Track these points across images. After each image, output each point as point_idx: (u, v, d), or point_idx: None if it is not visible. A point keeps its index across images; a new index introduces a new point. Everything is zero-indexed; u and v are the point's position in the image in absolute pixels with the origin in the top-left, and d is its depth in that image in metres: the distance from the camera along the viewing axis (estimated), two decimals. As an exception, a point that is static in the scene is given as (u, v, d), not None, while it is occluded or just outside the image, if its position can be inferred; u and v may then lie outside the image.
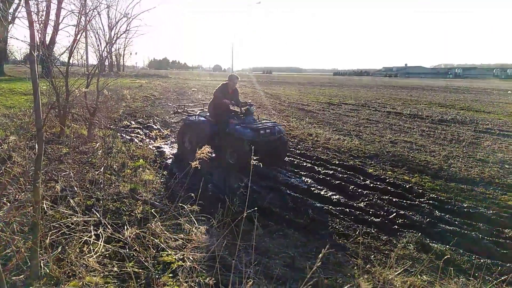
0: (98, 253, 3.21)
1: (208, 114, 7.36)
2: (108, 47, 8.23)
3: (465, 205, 5.21)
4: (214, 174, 6.40)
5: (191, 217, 4.02)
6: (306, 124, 12.60)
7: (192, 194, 4.87)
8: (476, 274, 3.32)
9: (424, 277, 3.21)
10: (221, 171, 6.56)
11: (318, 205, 5.11)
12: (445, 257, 3.35)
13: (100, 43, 8.73)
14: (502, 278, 3.15)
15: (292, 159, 7.62)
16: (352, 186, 5.92)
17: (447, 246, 3.95)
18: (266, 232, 4.07)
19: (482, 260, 3.63)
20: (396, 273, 3.16)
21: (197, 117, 7.41)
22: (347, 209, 4.96)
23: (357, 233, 4.21)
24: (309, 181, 6.19)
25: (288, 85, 40.93)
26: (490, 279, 3.24)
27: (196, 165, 3.37)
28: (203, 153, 3.26)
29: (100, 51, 8.10)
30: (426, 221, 4.59)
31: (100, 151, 6.33)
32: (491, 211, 4.99)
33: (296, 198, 5.35)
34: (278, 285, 3.03)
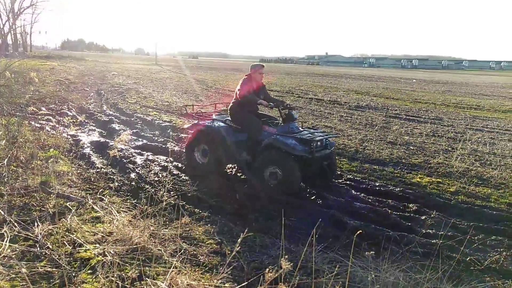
0: (2, 254, 2.87)
1: (229, 118, 5.68)
2: (10, 23, 7.26)
3: (377, 184, 5.71)
4: (136, 162, 6.12)
5: (111, 208, 3.80)
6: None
7: (112, 185, 4.61)
8: (386, 246, 3.67)
9: (341, 252, 3.45)
10: (144, 161, 6.30)
11: (246, 190, 5.18)
12: (359, 232, 3.65)
13: (1, 18, 7.67)
14: (407, 247, 3.54)
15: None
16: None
17: (362, 222, 4.29)
18: (193, 220, 4.02)
19: (391, 233, 4.02)
20: (318, 250, 3.36)
21: (214, 121, 5.72)
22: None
23: (283, 215, 4.36)
24: (236, 167, 6.23)
25: (215, 70, 40.52)
26: (397, 249, 3.60)
27: (115, 154, 3.16)
28: (121, 141, 3.06)
29: (0, 26, 7.12)
30: (344, 200, 4.94)
31: (3, 141, 5.63)
32: (398, 189, 5.54)
33: (224, 184, 5.36)
34: (205, 271, 3.02)
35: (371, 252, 2.65)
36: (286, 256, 2.06)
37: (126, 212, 3.93)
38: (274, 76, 35.36)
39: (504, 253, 3.67)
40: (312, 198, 5.04)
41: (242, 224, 4.02)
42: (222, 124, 5.62)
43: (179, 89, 18.47)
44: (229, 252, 3.39)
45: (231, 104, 5.67)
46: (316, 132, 5.46)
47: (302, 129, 5.53)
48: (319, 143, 5.14)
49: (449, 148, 8.38)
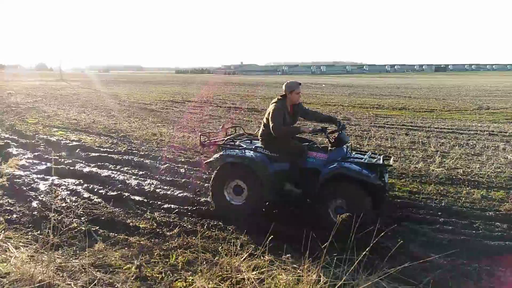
0: None
1: (259, 145, 4.81)
2: None
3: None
4: (39, 189, 5.49)
5: (7, 245, 3.32)
6: (149, 123, 12.13)
7: (8, 217, 4.06)
8: (303, 243, 3.79)
9: (266, 257, 3.46)
10: (49, 186, 5.68)
11: (165, 206, 4.97)
12: (279, 234, 3.72)
13: None
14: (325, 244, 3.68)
15: (138, 160, 7.20)
16: (199, 182, 5.99)
17: (286, 226, 4.38)
18: (108, 245, 3.70)
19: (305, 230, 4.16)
20: (242, 259, 3.33)
21: (245, 151, 4.73)
22: (195, 206, 4.98)
23: (205, 227, 4.26)
24: (155, 183, 5.95)
25: (128, 84, 38.71)
26: (320, 245, 3.74)
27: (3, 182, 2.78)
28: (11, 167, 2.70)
29: None
30: (266, 205, 5.00)
31: None
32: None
33: (141, 203, 5.07)
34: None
35: (287, 255, 2.69)
36: (214, 268, 1.97)
37: (27, 246, 3.47)
38: (191, 86, 34.99)
39: (409, 238, 4.03)
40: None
41: (161, 242, 3.82)
42: (255, 153, 4.70)
43: (89, 105, 17.21)
44: (150, 275, 3.19)
45: (261, 130, 4.78)
46: (373, 155, 4.91)
47: (353, 152, 4.91)
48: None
49: (357, 146, 9.08)
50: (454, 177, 6.46)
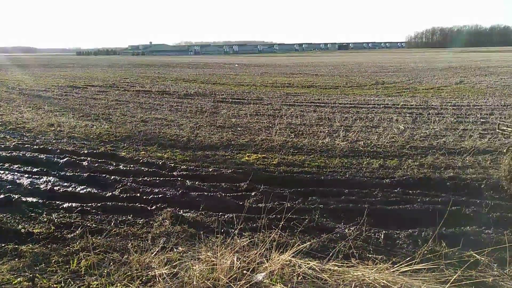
0: None
1: None
2: None
3: (211, 169, 5.82)
4: None
5: None
6: (45, 113, 10.83)
7: None
8: (223, 230, 3.75)
9: (180, 248, 3.34)
10: None
11: (66, 205, 4.47)
12: (195, 222, 3.62)
13: None
14: (239, 227, 3.69)
15: (31, 155, 6.37)
16: (104, 175, 5.53)
17: (199, 212, 4.28)
18: (-7, 259, 3.19)
19: (226, 216, 4.13)
20: (153, 254, 3.15)
21: None
22: (101, 202, 4.58)
23: (112, 224, 3.95)
24: (52, 180, 5.33)
25: (20, 68, 34.07)
26: (232, 230, 3.73)
27: None
28: None
29: None
30: (179, 193, 4.83)
31: None
32: (230, 170, 5.78)
33: (36, 204, 4.49)
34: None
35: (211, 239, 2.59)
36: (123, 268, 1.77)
37: None
38: (95, 69, 32.19)
39: (318, 212, 4.24)
40: (145, 197, 4.74)
41: (59, 247, 3.42)
42: None
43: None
44: (46, 286, 2.84)
45: None
46: None
47: None
48: None
49: (270, 125, 9.29)
50: (356, 149, 6.99)
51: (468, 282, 2.73)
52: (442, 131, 8.32)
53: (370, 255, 3.28)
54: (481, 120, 9.48)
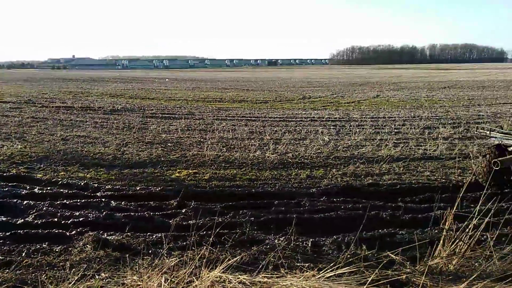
0: None
1: None
2: None
3: (138, 188, 5.58)
4: None
5: None
6: None
7: None
8: (150, 251, 3.59)
9: (103, 274, 3.12)
10: None
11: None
12: (120, 245, 3.41)
13: None
14: (168, 246, 3.56)
15: None
16: (16, 200, 4.99)
17: (124, 234, 4.06)
18: None
19: (154, 236, 3.98)
20: (71, 284, 2.90)
21: None
22: (10, 230, 4.11)
23: (23, 254, 3.56)
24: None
25: None
26: (160, 250, 3.59)
27: None
28: None
29: None
30: (103, 215, 4.54)
31: None
32: (159, 187, 5.59)
33: None
34: None
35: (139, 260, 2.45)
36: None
37: None
38: (8, 84, 29.26)
39: (249, 225, 4.27)
40: (64, 222, 4.37)
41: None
42: None
43: None
44: None
45: None
46: None
47: None
48: None
49: (201, 140, 9.22)
50: (285, 161, 7.23)
51: (384, 281, 2.94)
52: (362, 141, 8.97)
53: (298, 264, 3.38)
54: (395, 130, 10.43)
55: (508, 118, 12.29)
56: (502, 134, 5.56)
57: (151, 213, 4.60)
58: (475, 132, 6.39)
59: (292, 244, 3.75)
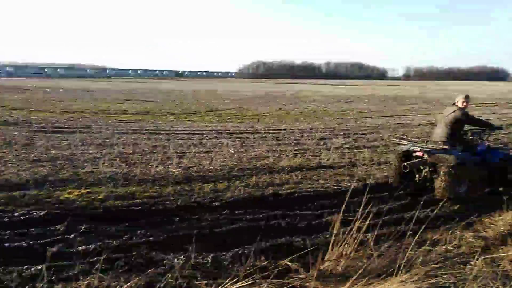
0: None
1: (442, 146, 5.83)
2: None
3: (17, 214, 4.88)
4: None
5: None
6: None
7: None
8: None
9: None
10: None
11: None
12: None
13: None
14: (48, 279, 3.17)
15: None
16: None
17: (-4, 268, 3.49)
18: None
19: (32, 269, 3.49)
20: None
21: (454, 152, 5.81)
22: None
23: None
24: None
25: None
26: (40, 285, 3.17)
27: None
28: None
29: None
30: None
31: None
32: (44, 211, 4.97)
33: None
34: None
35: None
36: None
37: None
38: None
39: (146, 245, 4.05)
40: None
41: None
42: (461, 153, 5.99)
43: None
44: None
45: (451, 130, 6.05)
46: None
47: None
48: None
49: (98, 155, 8.54)
50: (189, 175, 7.10)
51: (280, 289, 3.05)
52: (265, 152, 9.31)
53: (197, 282, 3.30)
54: (294, 142, 11.08)
55: (389, 128, 14.05)
56: (409, 142, 6.45)
57: (31, 242, 4.05)
58: (388, 141, 7.52)
59: (191, 262, 3.65)
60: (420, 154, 5.96)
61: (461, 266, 3.62)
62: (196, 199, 5.74)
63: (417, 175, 6.21)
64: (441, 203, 5.07)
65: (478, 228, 4.96)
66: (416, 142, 6.39)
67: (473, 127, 6.34)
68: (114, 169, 7.32)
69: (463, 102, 6.08)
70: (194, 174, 7.19)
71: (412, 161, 5.97)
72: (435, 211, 4.79)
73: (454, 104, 6.20)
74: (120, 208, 5.29)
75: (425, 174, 6.14)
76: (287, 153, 9.24)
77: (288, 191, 6.21)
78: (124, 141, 10.40)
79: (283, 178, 6.99)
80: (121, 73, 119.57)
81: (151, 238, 4.24)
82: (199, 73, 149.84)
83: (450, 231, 4.62)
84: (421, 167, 6.09)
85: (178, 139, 11.10)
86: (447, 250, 4.11)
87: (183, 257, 3.75)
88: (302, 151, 9.52)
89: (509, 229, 4.87)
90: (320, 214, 5.16)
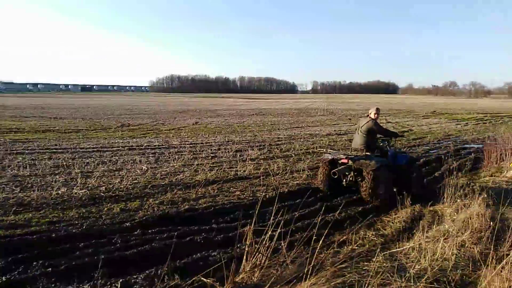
0: None
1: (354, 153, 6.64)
2: None
3: None
4: None
5: None
6: None
7: None
8: None
9: None
10: None
11: None
12: None
13: None
14: None
15: None
16: None
17: None
18: None
19: None
20: None
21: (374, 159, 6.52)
22: None
23: None
24: None
25: None
26: None
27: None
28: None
29: None
30: None
31: None
32: None
33: None
34: None
35: None
36: None
37: None
38: None
39: (44, 278, 3.61)
40: None
41: None
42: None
43: None
44: None
45: (366, 140, 6.80)
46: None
47: None
48: None
49: (-16, 180, 7.44)
50: (97, 196, 6.57)
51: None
52: (180, 167, 9.09)
53: (104, 311, 3.03)
54: (211, 155, 11.03)
55: (300, 139, 14.84)
56: (334, 151, 7.04)
57: None
58: (315, 150, 8.14)
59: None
60: (345, 161, 6.52)
61: (365, 263, 3.93)
62: (105, 221, 5.32)
63: (343, 180, 6.73)
64: (338, 207, 5.44)
65: (378, 226, 5.46)
66: (339, 151, 7.06)
67: (382, 136, 7.12)
68: (6, 195, 6.45)
69: (375, 114, 6.86)
70: (102, 194, 6.68)
71: (339, 168, 6.48)
72: (335, 214, 5.18)
73: (368, 115, 6.93)
74: (12, 238, 4.64)
75: (351, 179, 6.68)
76: (204, 166, 9.15)
77: (205, 205, 6.12)
78: (20, 163, 9.24)
79: (199, 192, 6.89)
80: (18, 88, 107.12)
81: (50, 269, 3.79)
82: (109, 87, 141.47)
83: (355, 232, 5.01)
84: (347, 173, 6.63)
85: (84, 158, 10.25)
86: (353, 249, 4.43)
87: (88, 286, 3.43)
88: (219, 164, 9.52)
89: (404, 226, 5.46)
90: (236, 225, 5.17)
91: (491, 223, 4.81)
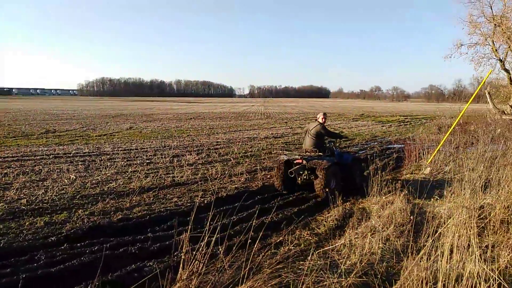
0: None
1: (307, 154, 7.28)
2: None
3: None
4: None
5: None
6: None
7: None
8: None
9: None
10: None
11: None
12: None
13: None
14: None
15: None
16: None
17: None
18: None
19: None
20: None
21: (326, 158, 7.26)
22: None
23: None
24: None
25: None
26: None
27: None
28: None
29: None
30: None
31: None
32: None
33: None
34: None
35: None
36: None
37: None
38: None
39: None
40: None
41: None
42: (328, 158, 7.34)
43: None
44: None
45: (315, 142, 7.53)
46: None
47: None
48: None
49: None
50: (17, 209, 5.99)
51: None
52: (113, 175, 8.63)
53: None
54: (147, 161, 10.64)
55: (238, 143, 14.93)
56: (289, 152, 7.65)
57: None
58: (273, 153, 9.51)
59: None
60: (300, 161, 7.10)
61: (301, 262, 4.07)
62: (26, 237, 4.86)
63: (298, 178, 7.35)
64: (273, 209, 5.59)
65: (313, 226, 5.69)
66: (293, 152, 7.70)
67: (329, 137, 7.80)
68: None
69: (323, 118, 7.72)
70: (23, 207, 6.10)
71: (294, 167, 7.02)
72: (270, 216, 5.30)
73: (316, 120, 7.75)
74: None
75: (305, 177, 7.31)
76: (139, 173, 8.80)
77: (139, 214, 5.88)
78: None
79: (134, 201, 6.60)
80: None
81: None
82: (32, 90, 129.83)
83: (291, 232, 5.17)
84: (301, 172, 7.22)
85: (1, 168, 9.28)
86: (289, 249, 4.57)
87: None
88: (155, 170, 9.21)
89: (336, 224, 5.75)
90: (173, 233, 5.04)
91: (411, 217, 5.27)
